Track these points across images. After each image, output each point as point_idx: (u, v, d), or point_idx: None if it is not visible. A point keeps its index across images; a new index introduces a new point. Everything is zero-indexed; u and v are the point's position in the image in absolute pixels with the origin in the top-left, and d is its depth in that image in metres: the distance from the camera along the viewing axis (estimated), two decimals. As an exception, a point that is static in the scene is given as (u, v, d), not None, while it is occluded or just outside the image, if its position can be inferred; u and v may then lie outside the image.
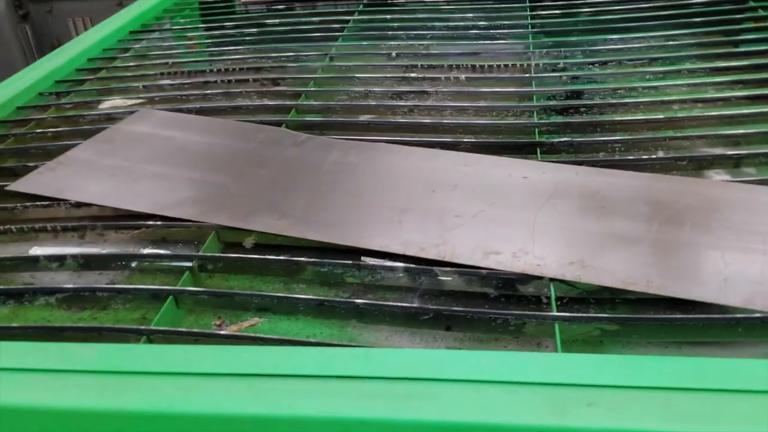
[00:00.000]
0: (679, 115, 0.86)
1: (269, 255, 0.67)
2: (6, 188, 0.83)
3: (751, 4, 1.24)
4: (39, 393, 0.49)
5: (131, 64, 1.26)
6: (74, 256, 0.70)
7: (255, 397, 0.47)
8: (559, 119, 0.90)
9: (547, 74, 1.04)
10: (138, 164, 0.87)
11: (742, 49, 1.08)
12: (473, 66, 1.09)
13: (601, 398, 0.45)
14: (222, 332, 0.60)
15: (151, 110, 1.02)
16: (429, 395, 0.46)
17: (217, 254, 0.69)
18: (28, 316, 0.65)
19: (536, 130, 0.87)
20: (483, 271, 0.62)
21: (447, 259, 0.64)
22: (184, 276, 0.66)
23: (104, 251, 0.73)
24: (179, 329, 0.59)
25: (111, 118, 1.02)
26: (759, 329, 0.54)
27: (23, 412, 0.48)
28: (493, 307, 0.61)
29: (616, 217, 0.67)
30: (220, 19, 1.51)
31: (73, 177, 0.84)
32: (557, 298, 0.59)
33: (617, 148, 0.82)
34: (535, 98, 0.96)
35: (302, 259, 0.66)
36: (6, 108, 1.06)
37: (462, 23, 1.31)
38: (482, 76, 1.06)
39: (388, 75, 1.10)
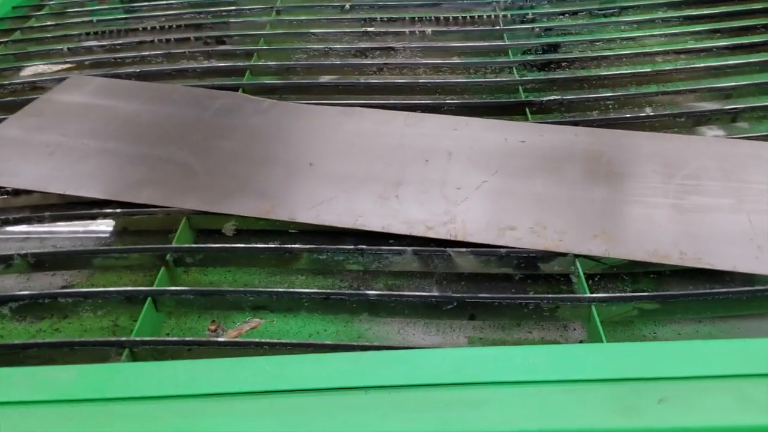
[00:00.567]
0: (666, 67, 0.82)
1: (256, 243, 0.60)
2: None
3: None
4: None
5: (49, 23, 1.12)
6: (23, 255, 0.60)
7: (286, 419, 0.40)
8: (542, 75, 0.85)
9: (517, 26, 0.98)
10: (78, 140, 0.76)
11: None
12: (437, 18, 1.01)
13: (671, 392, 0.41)
14: (220, 339, 0.52)
15: (83, 76, 0.90)
16: (478, 402, 0.40)
17: (196, 245, 0.61)
18: (-28, 332, 0.56)
19: (520, 88, 0.81)
20: (502, 250, 0.56)
21: (459, 238, 0.58)
22: (159, 273, 0.57)
23: (58, 248, 0.63)
24: (168, 338, 0.51)
25: (37, 87, 0.89)
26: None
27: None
28: (518, 290, 0.56)
29: (628, 181, 0.63)
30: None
31: (4, 159, 0.73)
32: (586, 276, 0.55)
33: (610, 106, 0.77)
34: (510, 53, 0.90)
35: (297, 246, 0.58)
36: None
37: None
38: (448, 29, 0.99)
39: (346, 30, 1.01)
